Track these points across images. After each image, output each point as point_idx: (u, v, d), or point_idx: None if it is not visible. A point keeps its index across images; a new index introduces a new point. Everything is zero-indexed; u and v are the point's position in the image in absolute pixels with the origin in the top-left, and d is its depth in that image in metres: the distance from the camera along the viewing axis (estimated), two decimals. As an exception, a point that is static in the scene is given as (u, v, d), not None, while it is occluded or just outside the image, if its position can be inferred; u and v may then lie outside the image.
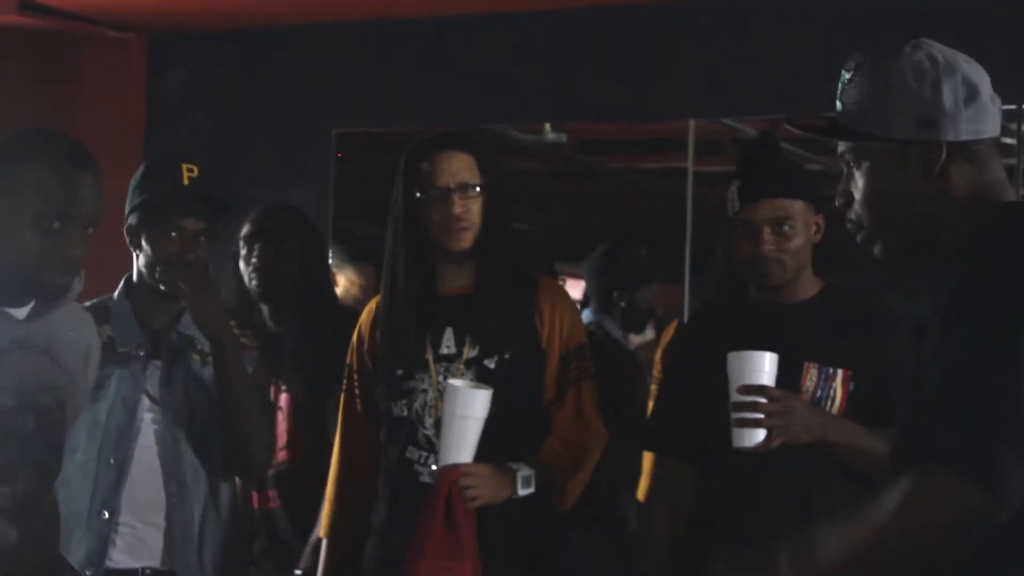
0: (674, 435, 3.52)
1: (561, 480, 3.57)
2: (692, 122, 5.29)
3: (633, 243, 5.24)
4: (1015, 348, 2.06)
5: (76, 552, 3.52)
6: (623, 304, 5.15)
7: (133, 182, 3.67)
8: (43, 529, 3.07)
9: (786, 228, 3.37)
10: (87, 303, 3.65)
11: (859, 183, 2.33)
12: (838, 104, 2.34)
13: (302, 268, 4.24)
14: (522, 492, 3.49)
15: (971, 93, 2.28)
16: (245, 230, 4.33)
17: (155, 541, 3.58)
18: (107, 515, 3.51)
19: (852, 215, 2.35)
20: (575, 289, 5.35)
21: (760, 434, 3.14)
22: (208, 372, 3.61)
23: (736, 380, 3.16)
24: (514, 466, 3.49)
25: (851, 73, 2.33)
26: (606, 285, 5.13)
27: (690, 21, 5.14)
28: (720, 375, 3.20)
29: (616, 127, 5.69)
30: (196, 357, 3.62)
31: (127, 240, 3.65)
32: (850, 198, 2.34)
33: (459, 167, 3.54)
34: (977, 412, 2.05)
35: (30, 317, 2.96)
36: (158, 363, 3.60)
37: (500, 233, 3.59)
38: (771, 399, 3.14)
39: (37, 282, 2.89)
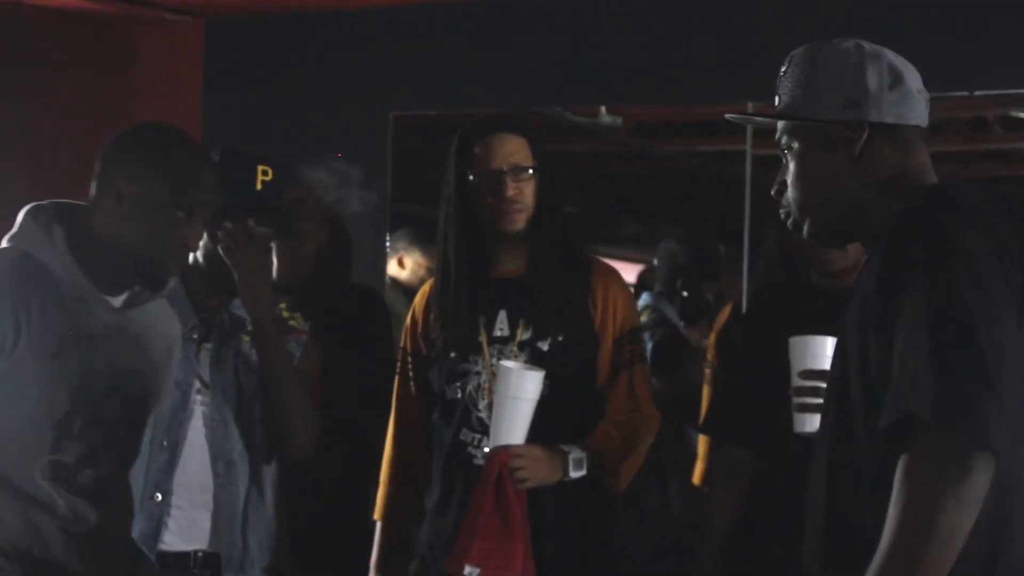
0: (734, 422, 3.52)
1: (614, 463, 3.57)
2: (751, 104, 5.25)
3: (708, 236, 5.23)
4: (963, 302, 2.10)
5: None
6: (685, 293, 5.14)
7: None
8: (120, 513, 3.16)
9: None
10: None
11: (791, 167, 2.39)
12: (776, 100, 2.42)
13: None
14: (574, 475, 3.48)
15: (896, 79, 2.34)
16: None
17: (207, 523, 3.58)
18: (159, 498, 3.52)
19: (784, 200, 2.41)
20: (629, 273, 5.34)
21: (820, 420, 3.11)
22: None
23: (798, 365, 3.14)
24: (566, 448, 3.48)
25: (786, 66, 2.41)
26: (673, 272, 5.12)
27: (749, 3, 5.11)
28: (781, 361, 3.19)
29: (671, 110, 5.67)
30: (246, 338, 3.62)
31: None
32: (784, 186, 2.41)
33: (512, 149, 3.54)
34: (943, 366, 2.07)
35: (125, 306, 3.09)
36: (210, 346, 3.61)
37: (553, 215, 3.58)
38: None
39: (153, 267, 3.05)
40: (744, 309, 4.71)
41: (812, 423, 3.11)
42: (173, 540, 3.56)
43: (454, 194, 3.57)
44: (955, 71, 4.61)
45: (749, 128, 5.25)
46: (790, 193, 2.39)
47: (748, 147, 5.27)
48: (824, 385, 3.08)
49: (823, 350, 3.14)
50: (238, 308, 3.62)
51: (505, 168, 3.52)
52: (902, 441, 2.09)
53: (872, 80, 2.32)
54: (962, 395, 2.06)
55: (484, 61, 5.38)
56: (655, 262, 5.62)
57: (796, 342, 3.16)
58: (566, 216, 3.70)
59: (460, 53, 5.44)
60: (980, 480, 2.06)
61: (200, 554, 3.57)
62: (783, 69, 2.40)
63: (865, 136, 2.31)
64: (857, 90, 2.32)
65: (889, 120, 2.33)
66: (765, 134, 5.24)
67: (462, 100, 5.32)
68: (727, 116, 2.55)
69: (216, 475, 3.56)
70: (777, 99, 2.41)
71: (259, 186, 3.56)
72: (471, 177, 3.55)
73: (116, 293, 3.07)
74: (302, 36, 5.69)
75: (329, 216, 4.36)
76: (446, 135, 3.67)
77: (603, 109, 5.63)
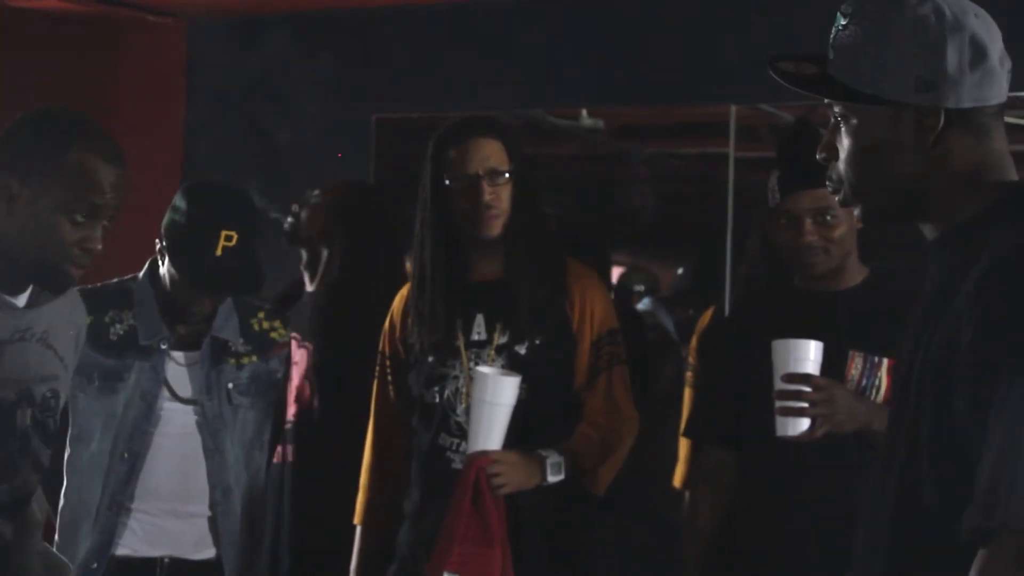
0: (717, 424, 3.52)
1: (593, 465, 3.57)
2: (733, 107, 5.24)
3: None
4: None
5: (82, 544, 3.54)
6: (691, 312, 5.17)
7: (175, 212, 3.60)
8: (35, 521, 3.04)
9: (828, 217, 3.34)
10: (109, 282, 3.65)
11: (844, 141, 2.10)
12: (830, 51, 2.10)
13: (347, 230, 4.23)
14: (552, 479, 3.48)
15: (978, 55, 2.02)
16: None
17: (175, 530, 3.59)
18: (115, 510, 3.52)
19: (833, 173, 2.13)
20: (613, 276, 5.35)
21: (804, 423, 3.10)
22: (245, 374, 3.62)
23: (781, 368, 3.13)
24: (544, 453, 3.48)
25: (847, 18, 2.08)
26: (687, 294, 5.16)
27: (732, 4, 5.10)
28: (764, 364, 3.18)
29: (653, 112, 5.66)
30: (231, 361, 3.62)
31: (158, 245, 3.62)
32: (834, 152, 2.12)
33: (488, 153, 3.53)
34: None
35: (29, 305, 2.91)
36: (179, 355, 3.60)
37: (530, 219, 3.57)
38: (815, 388, 3.10)
39: (53, 271, 2.83)
40: (727, 312, 4.70)
41: (795, 426, 3.10)
42: (140, 546, 3.57)
43: (430, 198, 3.57)
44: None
45: (732, 130, 5.24)
46: (843, 169, 2.11)
47: (731, 149, 5.26)
48: (808, 389, 3.09)
49: (806, 353, 3.13)
50: (220, 330, 3.62)
51: (481, 172, 3.52)
52: (985, 537, 1.88)
53: (952, 59, 2.00)
54: None
55: (466, 64, 5.38)
56: (679, 271, 5.66)
57: (779, 345, 3.15)
58: (544, 219, 3.69)
59: (442, 56, 5.44)
60: None
61: (167, 560, 3.57)
62: (842, 21, 2.08)
63: (940, 124, 2.02)
64: (933, 71, 2.01)
65: (967, 105, 2.01)
66: (748, 136, 5.26)
67: (444, 103, 5.31)
68: (771, 71, 2.14)
69: (214, 503, 3.58)
70: (831, 51, 2.09)
71: (219, 251, 3.51)
72: (447, 181, 3.54)
73: (17, 293, 2.88)
74: (284, 39, 5.68)
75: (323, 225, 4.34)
76: (428, 138, 3.66)
77: (584, 112, 5.62)
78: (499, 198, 3.52)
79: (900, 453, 2.07)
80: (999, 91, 2.05)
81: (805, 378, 3.11)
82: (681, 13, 5.14)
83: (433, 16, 5.46)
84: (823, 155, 2.14)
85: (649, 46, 5.17)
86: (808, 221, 3.34)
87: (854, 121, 2.08)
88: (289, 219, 4.31)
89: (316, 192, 4.32)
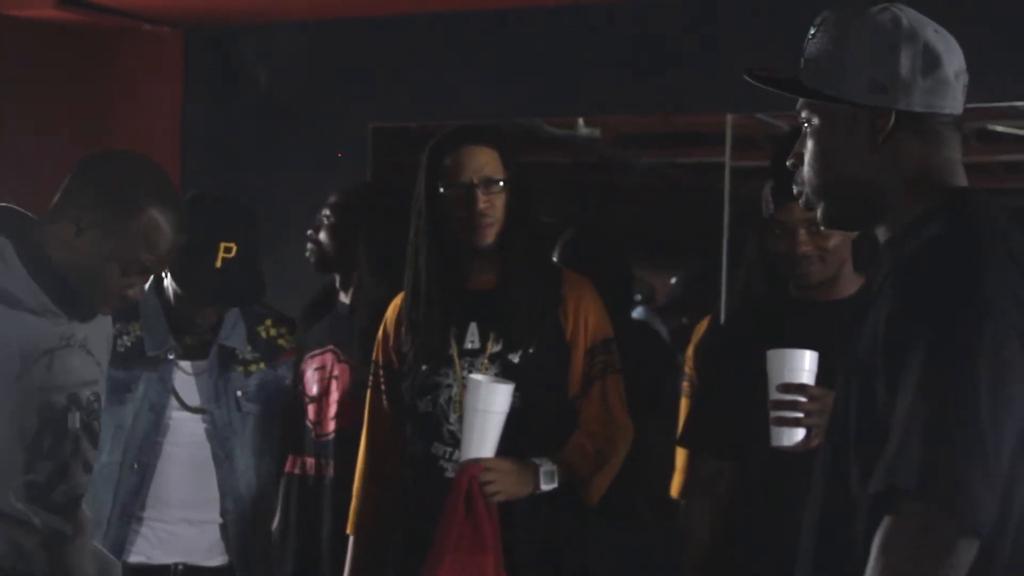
0: (713, 434, 3.51)
1: (587, 474, 3.56)
2: (730, 116, 5.25)
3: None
4: (972, 367, 1.98)
5: None
6: (685, 321, 5.17)
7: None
8: (88, 522, 3.16)
9: (823, 227, 3.34)
10: None
11: (808, 144, 2.24)
12: (802, 60, 2.24)
13: (366, 242, 4.13)
14: (545, 487, 3.48)
15: (931, 63, 2.16)
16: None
17: (188, 537, 3.61)
18: (126, 520, 3.54)
19: (799, 176, 2.27)
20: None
21: (799, 433, 3.10)
22: (254, 381, 3.63)
23: (776, 378, 3.13)
24: (537, 461, 3.48)
25: (815, 28, 2.23)
26: (683, 304, 5.15)
27: (728, 12, 5.10)
28: (760, 374, 3.18)
29: (649, 121, 5.66)
30: (239, 368, 3.64)
31: None
32: (800, 159, 2.26)
33: (482, 162, 3.53)
34: (946, 444, 1.96)
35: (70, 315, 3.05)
36: (186, 364, 3.61)
37: (524, 228, 3.57)
38: (811, 398, 3.10)
39: (86, 303, 3.01)
40: (723, 321, 4.70)
41: (789, 437, 3.10)
42: (153, 553, 3.60)
43: (424, 207, 3.57)
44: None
45: (728, 139, 5.25)
46: (805, 171, 2.25)
47: (727, 158, 5.26)
48: (803, 399, 3.09)
49: (801, 363, 3.13)
50: (227, 339, 3.64)
51: (476, 181, 3.51)
52: (888, 506, 1.99)
53: (904, 64, 2.14)
54: (952, 474, 1.95)
55: (463, 73, 5.38)
56: (672, 280, 5.65)
57: (774, 355, 3.15)
58: (538, 227, 3.69)
59: (439, 65, 5.44)
60: (960, 562, 1.96)
61: (180, 567, 3.59)
62: (812, 31, 2.23)
63: (890, 125, 2.16)
64: (886, 74, 2.15)
65: (918, 109, 2.15)
66: (744, 145, 5.26)
67: (441, 112, 5.31)
68: (746, 76, 2.31)
69: (224, 510, 3.60)
70: (803, 62, 2.24)
71: (219, 263, 3.52)
72: (442, 190, 3.54)
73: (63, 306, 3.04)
74: (281, 47, 5.68)
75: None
76: (425, 147, 3.66)
77: (581, 121, 5.62)
78: (493, 206, 3.51)
79: (828, 451, 2.18)
80: (953, 102, 2.17)
81: (800, 388, 3.11)
82: (678, 22, 5.14)
83: (430, 25, 5.47)
84: (792, 161, 2.27)
85: (646, 55, 5.17)
86: (802, 231, 3.34)
87: (816, 122, 2.21)
88: (309, 246, 4.24)
89: (325, 212, 4.23)
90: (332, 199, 4.23)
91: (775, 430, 3.11)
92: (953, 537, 1.95)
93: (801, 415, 3.09)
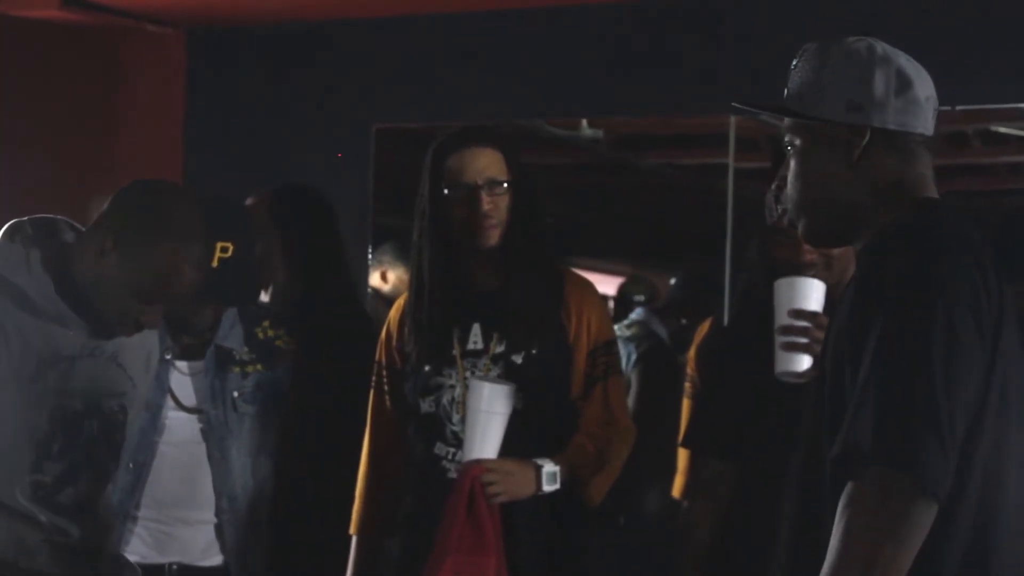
0: (716, 434, 3.51)
1: (588, 475, 3.56)
2: (733, 118, 5.25)
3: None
4: (925, 338, 2.11)
5: None
6: (684, 322, 5.16)
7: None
8: (101, 528, 3.17)
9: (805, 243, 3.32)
10: None
11: (791, 164, 2.39)
12: (786, 90, 2.41)
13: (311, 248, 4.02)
14: (547, 488, 3.48)
15: (904, 85, 2.34)
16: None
17: (183, 537, 3.61)
18: (121, 519, 3.54)
19: (782, 197, 2.43)
20: (609, 286, 5.35)
21: (807, 360, 3.01)
22: (251, 382, 3.63)
23: (787, 305, 3.06)
24: (539, 462, 3.48)
25: (797, 60, 2.40)
26: (682, 305, 5.14)
27: (731, 14, 5.11)
28: (762, 374, 3.17)
29: (652, 123, 5.67)
30: (236, 369, 3.64)
31: None
32: (783, 182, 2.42)
33: (486, 163, 3.53)
34: (900, 408, 2.10)
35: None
36: (183, 364, 3.62)
37: (528, 229, 3.57)
38: (820, 327, 3.02)
39: (105, 324, 3.03)
40: (726, 322, 4.69)
41: (797, 362, 3.02)
42: (148, 553, 3.60)
43: (428, 208, 3.56)
44: (937, 87, 4.61)
45: (731, 140, 5.25)
46: (788, 190, 2.40)
47: (731, 160, 5.26)
48: (814, 327, 3.06)
49: (813, 292, 3.06)
50: (224, 339, 3.64)
51: (480, 182, 3.51)
52: (849, 472, 2.11)
53: (879, 85, 2.32)
54: (905, 436, 2.08)
55: (466, 73, 5.38)
56: (672, 281, 5.65)
57: (784, 283, 3.08)
58: (542, 228, 3.69)
59: (442, 65, 5.44)
60: (918, 523, 2.07)
61: (175, 566, 3.60)
62: (795, 62, 2.40)
63: (865, 141, 2.32)
64: (862, 93, 2.32)
65: (892, 127, 2.32)
66: (748, 147, 5.27)
67: (445, 113, 5.32)
68: (734, 104, 2.51)
69: (220, 510, 3.61)
70: (786, 92, 2.40)
71: (215, 263, 3.52)
72: (445, 191, 3.54)
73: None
74: (284, 48, 5.69)
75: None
76: (429, 148, 3.65)
77: (584, 122, 5.63)
78: (497, 208, 3.51)
79: (806, 445, 2.33)
80: (924, 123, 2.36)
81: (812, 315, 3.05)
82: (681, 24, 5.14)
83: (433, 26, 5.47)
84: (776, 184, 2.44)
85: (649, 56, 5.17)
86: (806, 256, 3.33)
87: (798, 143, 2.38)
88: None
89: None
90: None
91: (782, 355, 3.04)
92: (910, 498, 2.07)
93: (809, 341, 3.02)
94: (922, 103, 2.35)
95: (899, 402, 2.10)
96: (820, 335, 3.03)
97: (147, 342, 3.24)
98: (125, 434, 3.19)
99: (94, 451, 3.09)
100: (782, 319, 3.06)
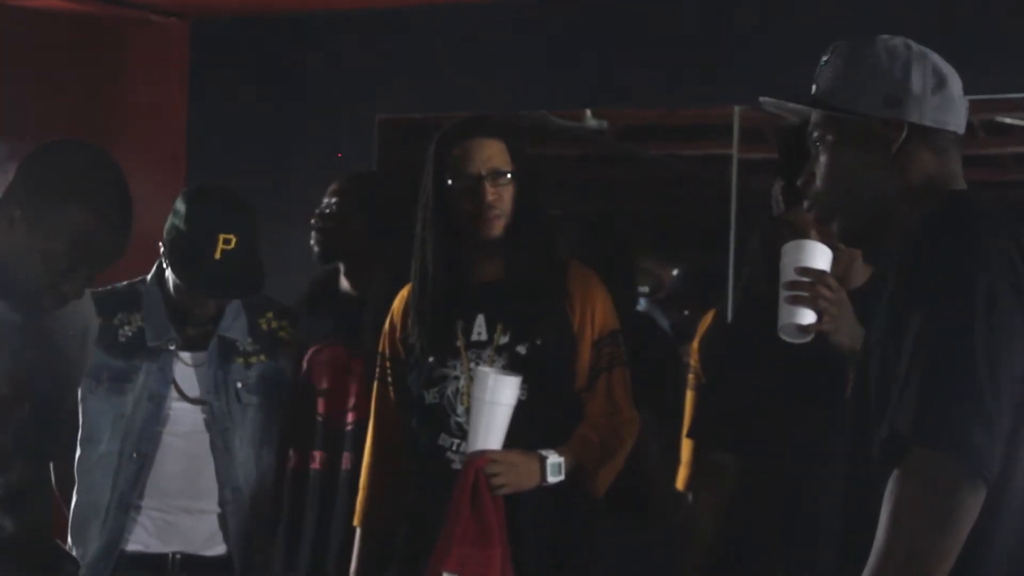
0: (720, 426, 3.50)
1: (592, 467, 3.56)
2: (737, 108, 5.24)
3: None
4: (969, 316, 2.10)
5: (92, 544, 3.59)
6: (687, 313, 5.16)
7: (175, 216, 3.62)
8: (39, 514, 3.06)
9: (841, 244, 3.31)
10: (119, 284, 3.67)
11: (821, 159, 2.36)
12: (813, 88, 2.39)
13: (375, 230, 4.06)
14: (552, 480, 3.48)
15: (940, 82, 2.33)
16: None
17: (186, 526, 3.63)
18: (124, 509, 3.55)
19: (811, 192, 2.39)
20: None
21: (811, 315, 2.97)
22: (254, 373, 3.64)
23: (794, 263, 3.02)
24: (544, 453, 3.47)
25: (827, 57, 2.38)
26: (684, 296, 5.14)
27: (736, 6, 5.10)
28: (766, 366, 3.16)
29: (657, 114, 5.66)
30: (240, 360, 3.64)
31: (161, 249, 3.63)
32: (811, 178, 2.38)
33: (490, 154, 3.52)
34: (944, 389, 2.07)
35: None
36: (187, 355, 3.62)
37: (532, 220, 3.56)
38: (827, 286, 2.99)
39: (29, 297, 2.87)
40: (730, 314, 4.69)
41: (802, 316, 2.97)
42: (151, 542, 3.62)
43: (432, 198, 3.56)
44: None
45: (736, 131, 5.24)
46: (818, 186, 2.37)
47: (735, 151, 5.26)
48: (820, 286, 3.03)
49: (820, 255, 3.04)
50: (227, 330, 3.65)
51: (484, 173, 3.51)
52: (897, 455, 2.10)
53: (916, 81, 2.31)
54: (949, 418, 2.06)
55: (470, 64, 5.37)
56: (674, 272, 5.64)
57: (792, 245, 3.05)
58: (546, 219, 3.68)
59: (446, 56, 5.43)
60: (967, 505, 2.05)
61: (178, 556, 3.61)
62: (824, 58, 2.38)
63: (903, 136, 2.30)
64: (901, 89, 2.31)
65: (928, 123, 2.31)
66: (752, 138, 5.26)
67: (448, 103, 5.31)
68: (761, 99, 2.47)
69: (223, 500, 3.62)
70: (814, 88, 2.38)
71: (218, 255, 3.52)
72: (449, 181, 3.53)
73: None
74: (288, 39, 5.68)
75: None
76: (432, 138, 3.65)
77: (588, 113, 5.62)
78: (501, 198, 3.51)
79: (854, 435, 2.29)
80: (957, 120, 2.35)
81: (820, 273, 3.02)
82: (685, 14, 5.13)
83: (437, 16, 5.46)
84: (802, 180, 2.40)
85: (653, 47, 5.16)
86: (813, 232, 3.31)
87: (830, 138, 2.35)
88: (313, 234, 4.18)
89: (329, 199, 4.19)
90: (334, 186, 4.20)
91: (786, 308, 2.99)
92: (957, 479, 2.05)
93: (813, 296, 2.97)
94: (956, 101, 2.34)
95: (940, 384, 2.08)
96: (827, 293, 3.02)
97: (80, 315, 3.10)
98: (61, 413, 3.07)
99: (26, 436, 2.95)
100: (787, 276, 3.03)
